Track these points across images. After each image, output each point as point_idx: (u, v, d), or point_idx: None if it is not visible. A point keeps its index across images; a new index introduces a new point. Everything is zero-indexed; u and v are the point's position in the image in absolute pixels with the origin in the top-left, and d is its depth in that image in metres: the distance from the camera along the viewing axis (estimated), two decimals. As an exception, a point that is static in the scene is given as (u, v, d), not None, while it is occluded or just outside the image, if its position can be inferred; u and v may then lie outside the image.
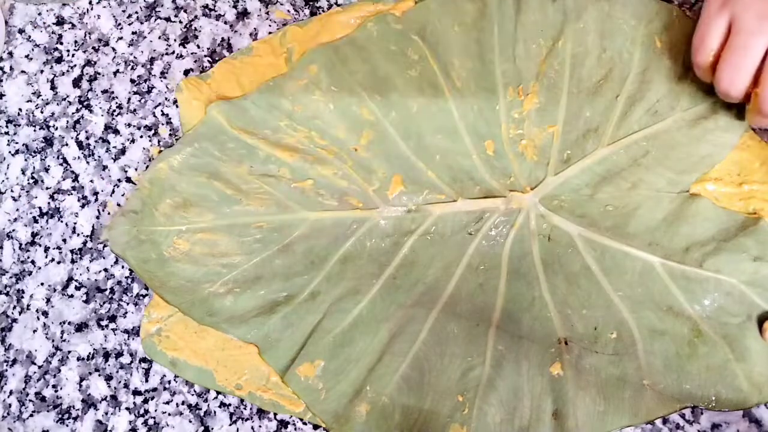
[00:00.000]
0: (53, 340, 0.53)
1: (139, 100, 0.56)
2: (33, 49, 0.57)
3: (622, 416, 0.49)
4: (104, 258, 0.54)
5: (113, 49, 0.57)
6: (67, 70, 0.57)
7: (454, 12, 0.54)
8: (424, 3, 0.54)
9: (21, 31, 0.57)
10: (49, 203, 0.55)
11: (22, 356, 0.53)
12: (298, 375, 0.50)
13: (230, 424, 0.51)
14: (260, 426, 0.51)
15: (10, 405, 0.52)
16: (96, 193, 0.55)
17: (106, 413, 0.52)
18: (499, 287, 0.51)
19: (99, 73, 0.56)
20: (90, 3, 0.58)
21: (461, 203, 0.53)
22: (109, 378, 0.52)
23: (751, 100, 0.48)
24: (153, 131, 0.56)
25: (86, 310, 0.53)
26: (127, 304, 0.53)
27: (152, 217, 0.51)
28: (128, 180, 0.55)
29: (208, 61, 0.56)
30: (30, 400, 0.52)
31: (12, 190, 0.55)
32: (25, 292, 0.54)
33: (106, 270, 0.54)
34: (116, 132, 0.56)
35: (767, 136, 0.53)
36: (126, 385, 0.52)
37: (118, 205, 0.55)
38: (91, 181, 0.55)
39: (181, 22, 0.57)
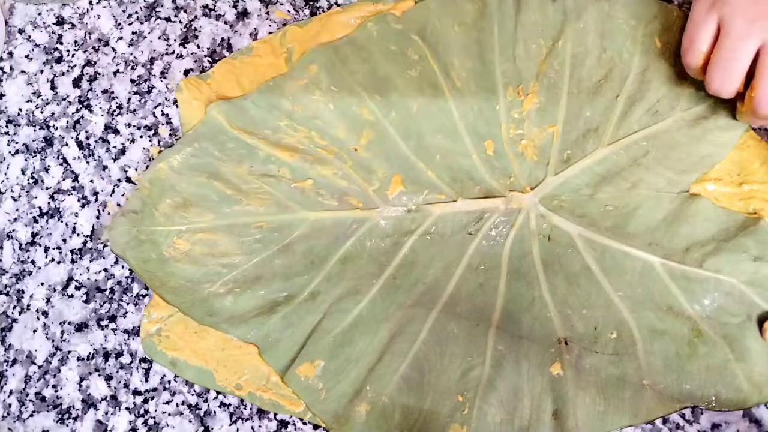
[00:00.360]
0: (53, 340, 0.53)
1: (139, 100, 0.56)
2: (33, 49, 0.57)
3: (622, 416, 0.49)
4: (104, 258, 0.54)
5: (113, 49, 0.57)
6: (67, 70, 0.57)
7: (454, 12, 0.54)
8: (424, 3, 0.54)
9: (21, 31, 0.57)
10: (49, 203, 0.55)
11: (22, 356, 0.53)
12: (298, 375, 0.50)
13: (230, 424, 0.51)
14: (260, 426, 0.51)
15: (10, 405, 0.52)
16: (96, 193, 0.55)
17: (106, 413, 0.52)
18: (499, 287, 0.51)
19: (99, 73, 0.57)
20: (90, 3, 0.58)
21: (461, 203, 0.53)
22: (109, 378, 0.52)
23: (744, 102, 0.48)
24: (153, 131, 0.56)
25: (86, 310, 0.53)
26: (127, 304, 0.53)
27: (152, 217, 0.51)
28: (128, 180, 0.55)
29: (208, 61, 0.56)
30: (30, 400, 0.52)
31: (12, 190, 0.55)
32: (25, 292, 0.54)
33: (106, 270, 0.54)
34: (116, 132, 0.56)
35: (767, 136, 0.53)
36: (126, 385, 0.52)
37: (118, 205, 0.55)
38: (91, 181, 0.55)
39: (181, 22, 0.57)
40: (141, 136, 0.55)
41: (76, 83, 0.56)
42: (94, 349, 0.53)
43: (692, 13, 0.49)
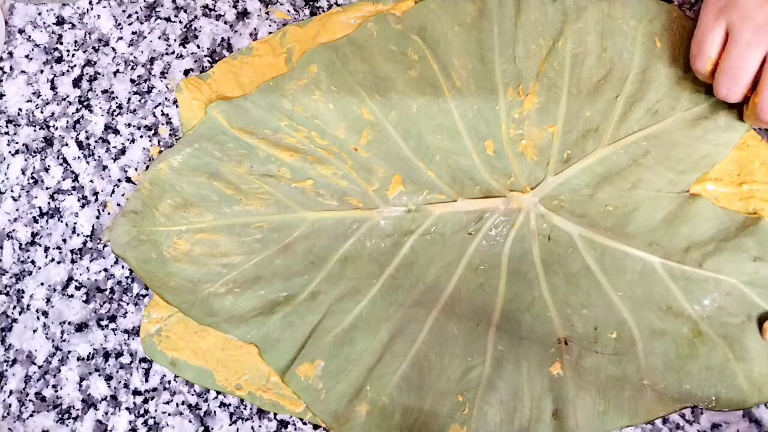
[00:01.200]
0: (53, 340, 0.53)
1: (139, 100, 0.56)
2: (33, 49, 0.57)
3: (622, 416, 0.49)
4: (104, 258, 0.54)
5: (113, 49, 0.57)
6: (67, 70, 0.57)
7: (454, 12, 0.54)
8: (424, 3, 0.54)
9: (21, 31, 0.57)
10: (49, 203, 0.55)
11: (22, 356, 0.53)
12: (298, 375, 0.50)
13: (230, 424, 0.51)
14: (260, 426, 0.51)
15: (10, 405, 0.52)
16: (96, 193, 0.55)
17: (106, 413, 0.52)
18: (499, 287, 0.51)
19: (99, 73, 0.57)
20: (90, 3, 0.58)
21: (461, 203, 0.53)
22: (109, 378, 0.52)
23: (748, 105, 0.49)
24: (153, 131, 0.56)
25: (86, 310, 0.53)
26: (127, 304, 0.53)
27: (153, 217, 0.51)
28: (128, 180, 0.55)
29: (208, 61, 0.56)
30: (30, 400, 0.52)
31: (12, 190, 0.55)
32: (25, 292, 0.54)
33: (106, 270, 0.54)
34: (116, 132, 0.56)
35: (767, 136, 0.53)
36: (126, 385, 0.52)
37: (118, 205, 0.55)
38: (91, 181, 0.55)
39: (181, 22, 0.57)
40: (141, 136, 0.55)
41: (76, 83, 0.56)
42: (94, 349, 0.53)
43: (701, 19, 0.50)
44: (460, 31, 0.54)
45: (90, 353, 0.53)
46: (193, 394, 0.52)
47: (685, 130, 0.52)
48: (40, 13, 0.58)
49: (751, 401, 0.49)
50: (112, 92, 0.56)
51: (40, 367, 0.53)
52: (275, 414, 0.51)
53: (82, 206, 0.55)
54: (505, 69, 0.53)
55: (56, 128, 0.56)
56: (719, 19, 0.48)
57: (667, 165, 0.52)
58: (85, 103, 0.56)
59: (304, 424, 0.51)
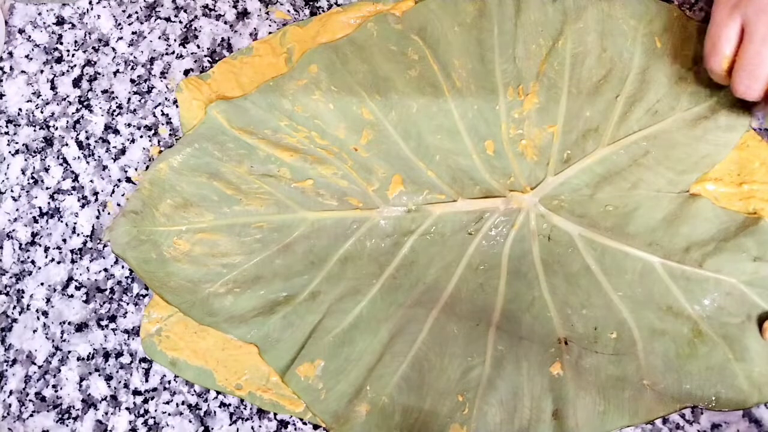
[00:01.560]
0: (53, 340, 0.53)
1: (139, 100, 0.56)
2: (33, 49, 0.57)
3: (622, 416, 0.49)
4: (104, 258, 0.54)
5: (113, 49, 0.57)
6: (67, 70, 0.57)
7: (454, 12, 0.54)
8: (424, 3, 0.54)
9: (21, 31, 0.57)
10: (49, 203, 0.55)
11: (22, 356, 0.53)
12: (298, 375, 0.50)
13: (230, 424, 0.51)
14: (260, 426, 0.51)
15: (10, 405, 0.52)
16: (96, 193, 0.55)
17: (106, 413, 0.52)
18: (499, 287, 0.51)
19: (99, 73, 0.57)
20: (90, 3, 0.58)
21: (461, 203, 0.53)
22: (109, 378, 0.52)
23: (764, 101, 0.48)
24: (153, 131, 0.56)
25: (86, 310, 0.53)
26: (127, 304, 0.53)
27: (153, 217, 0.51)
28: (128, 180, 0.55)
29: (208, 61, 0.56)
30: (30, 400, 0.52)
31: (12, 190, 0.55)
32: (25, 292, 0.54)
33: (106, 270, 0.54)
34: (116, 132, 0.56)
35: (767, 136, 0.53)
36: (126, 385, 0.52)
37: (118, 205, 0.55)
38: (91, 181, 0.55)
39: (181, 22, 0.57)
40: (141, 136, 0.55)
41: (76, 83, 0.56)
42: (94, 349, 0.53)
43: (713, 16, 0.48)
44: (460, 31, 0.54)
45: (90, 353, 0.53)
46: (193, 394, 0.52)
47: (685, 130, 0.52)
48: (40, 13, 0.58)
49: (751, 401, 0.49)
50: (112, 92, 0.56)
51: (40, 367, 0.53)
52: (275, 414, 0.51)
53: (82, 206, 0.55)
54: (505, 69, 0.53)
55: (56, 128, 0.56)
56: (733, 14, 0.46)
57: (667, 165, 0.52)
58: (85, 103, 0.56)
59: (304, 424, 0.51)
